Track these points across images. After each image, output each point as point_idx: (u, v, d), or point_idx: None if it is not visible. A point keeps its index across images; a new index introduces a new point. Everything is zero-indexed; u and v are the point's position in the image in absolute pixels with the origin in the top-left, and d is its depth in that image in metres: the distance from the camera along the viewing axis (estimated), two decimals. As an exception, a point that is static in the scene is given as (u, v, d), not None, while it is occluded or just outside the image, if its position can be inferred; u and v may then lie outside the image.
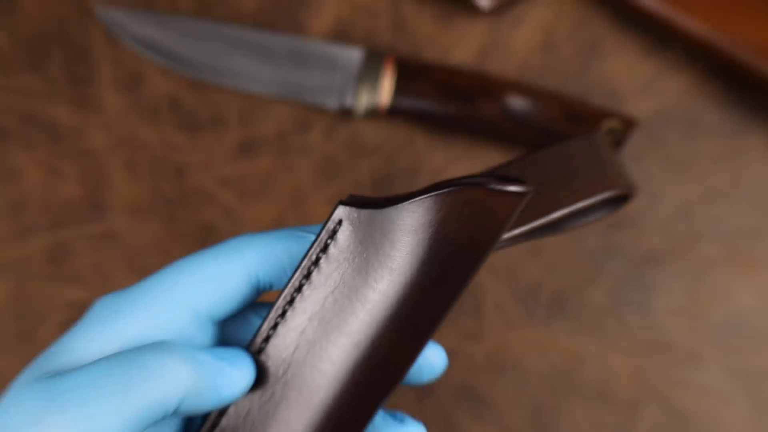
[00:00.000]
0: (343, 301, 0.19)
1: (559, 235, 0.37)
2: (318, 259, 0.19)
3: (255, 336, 0.19)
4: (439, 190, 0.19)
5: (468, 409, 0.37)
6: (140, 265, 0.35)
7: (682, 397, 0.36)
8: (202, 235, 0.35)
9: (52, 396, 0.18)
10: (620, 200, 0.24)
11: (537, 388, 0.37)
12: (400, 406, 0.36)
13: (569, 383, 0.37)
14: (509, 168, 0.23)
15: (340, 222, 0.19)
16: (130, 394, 0.18)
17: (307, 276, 0.19)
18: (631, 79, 0.36)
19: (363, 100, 0.36)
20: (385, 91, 0.37)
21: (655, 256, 0.36)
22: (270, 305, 0.21)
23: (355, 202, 0.20)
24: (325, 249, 0.19)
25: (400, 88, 0.37)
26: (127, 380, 0.18)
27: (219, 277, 0.20)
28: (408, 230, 0.19)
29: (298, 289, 0.19)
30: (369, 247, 0.19)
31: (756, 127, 0.36)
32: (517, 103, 0.36)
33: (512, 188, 0.19)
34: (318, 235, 0.19)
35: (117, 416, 0.18)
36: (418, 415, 0.36)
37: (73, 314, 0.35)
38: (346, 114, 0.36)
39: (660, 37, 0.38)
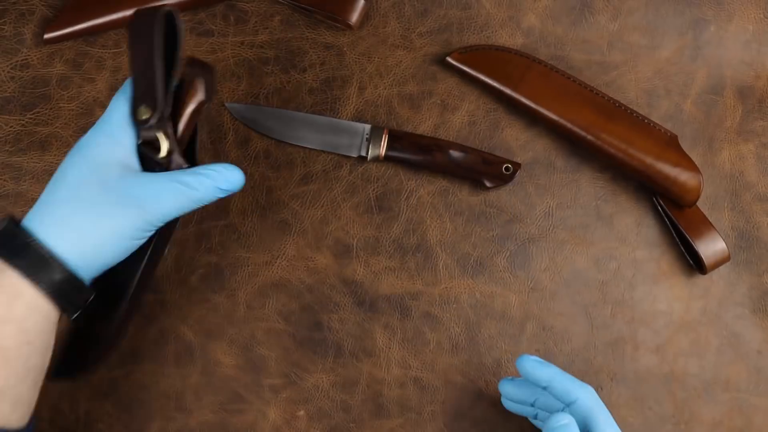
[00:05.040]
0: None
1: (475, 227, 0.60)
2: None
3: None
4: None
5: (429, 326, 0.57)
6: (246, 242, 0.59)
7: (548, 317, 0.57)
8: (280, 227, 0.59)
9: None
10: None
11: (467, 312, 0.57)
12: (392, 326, 0.58)
13: (485, 310, 0.57)
14: None
15: None
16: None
17: None
18: (517, 141, 0.59)
19: (371, 152, 0.58)
20: (383, 147, 0.57)
21: (532, 238, 0.58)
22: None
23: None
24: None
25: (391, 146, 0.57)
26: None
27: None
28: None
29: None
30: None
31: (584, 168, 0.59)
32: (455, 154, 0.57)
33: None
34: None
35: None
36: (402, 329, 0.58)
37: (209, 271, 0.59)
38: (362, 160, 0.59)
39: (532, 119, 0.60)
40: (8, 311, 0.38)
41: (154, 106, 0.42)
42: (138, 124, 0.43)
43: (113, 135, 0.42)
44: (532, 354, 0.56)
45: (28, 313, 0.39)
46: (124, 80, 0.59)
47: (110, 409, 0.55)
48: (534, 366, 0.47)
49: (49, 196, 0.41)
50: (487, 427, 0.56)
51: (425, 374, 0.57)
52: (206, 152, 0.59)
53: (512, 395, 0.51)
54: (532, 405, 0.51)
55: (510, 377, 0.52)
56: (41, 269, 0.39)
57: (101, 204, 0.40)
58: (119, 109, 0.43)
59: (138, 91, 0.43)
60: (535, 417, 0.51)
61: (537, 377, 0.47)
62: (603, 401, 0.56)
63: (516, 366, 0.49)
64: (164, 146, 0.43)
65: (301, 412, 0.56)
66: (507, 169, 0.58)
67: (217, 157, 0.59)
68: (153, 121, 0.42)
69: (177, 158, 0.44)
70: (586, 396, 0.45)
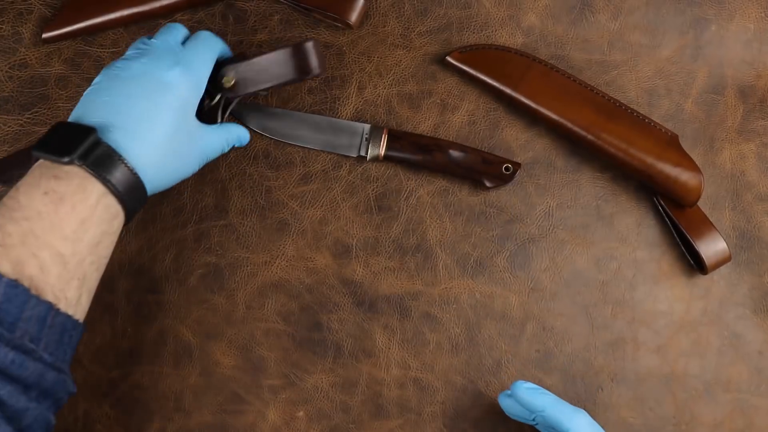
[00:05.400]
0: None
1: (475, 227, 0.60)
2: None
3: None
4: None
5: (429, 326, 0.57)
6: (245, 242, 0.59)
7: (548, 318, 0.57)
8: (279, 227, 0.59)
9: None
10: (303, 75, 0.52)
11: (467, 313, 0.57)
12: (390, 318, 0.58)
13: (485, 310, 0.57)
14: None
15: None
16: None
17: None
18: (517, 141, 0.59)
19: (370, 152, 0.58)
20: (382, 147, 0.57)
21: (532, 239, 0.58)
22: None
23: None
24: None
25: (390, 146, 0.57)
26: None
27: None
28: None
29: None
30: None
31: (584, 168, 0.59)
32: (455, 154, 0.57)
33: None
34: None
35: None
36: (401, 329, 0.58)
37: (208, 271, 0.59)
38: (361, 159, 0.59)
39: (532, 119, 0.59)
40: (110, 227, 0.45)
41: (246, 87, 0.53)
42: (215, 83, 0.53)
43: (200, 87, 0.49)
44: (532, 354, 0.56)
45: (119, 228, 0.47)
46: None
47: (109, 410, 0.55)
48: (528, 394, 0.48)
49: (144, 128, 0.46)
50: (487, 428, 0.56)
51: (425, 375, 0.56)
52: (205, 152, 0.59)
53: (511, 410, 0.52)
54: (532, 420, 0.51)
55: (507, 392, 0.52)
56: (136, 198, 0.46)
57: (186, 155, 0.49)
58: (209, 65, 0.50)
59: (245, 70, 0.52)
60: (537, 424, 0.51)
61: (531, 406, 0.48)
62: (603, 402, 0.56)
63: (511, 390, 0.50)
64: (216, 99, 0.53)
65: (301, 413, 0.56)
66: (507, 168, 0.58)
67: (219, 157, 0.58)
68: (228, 95, 0.53)
69: (217, 109, 0.54)
70: (579, 425, 0.47)
